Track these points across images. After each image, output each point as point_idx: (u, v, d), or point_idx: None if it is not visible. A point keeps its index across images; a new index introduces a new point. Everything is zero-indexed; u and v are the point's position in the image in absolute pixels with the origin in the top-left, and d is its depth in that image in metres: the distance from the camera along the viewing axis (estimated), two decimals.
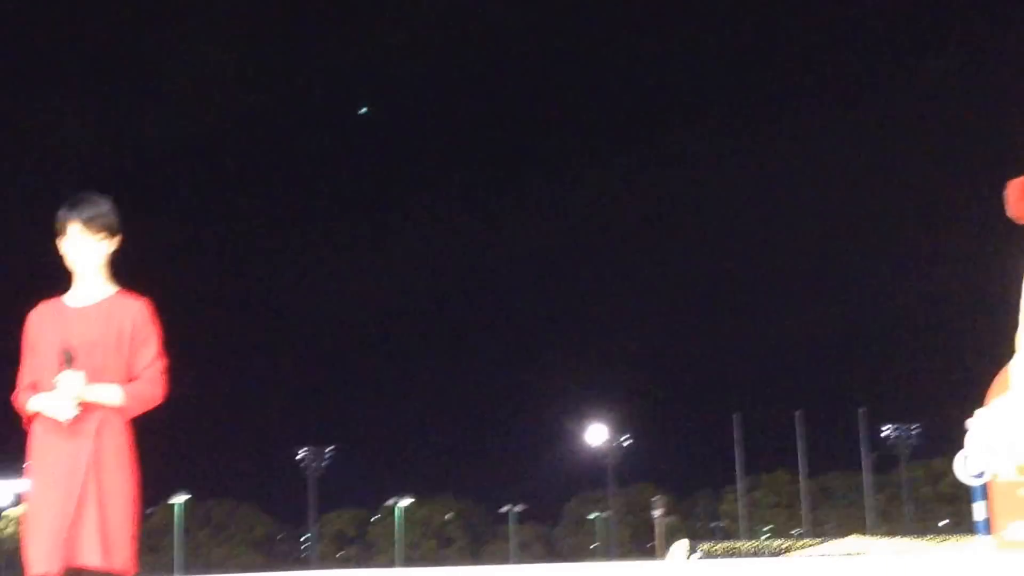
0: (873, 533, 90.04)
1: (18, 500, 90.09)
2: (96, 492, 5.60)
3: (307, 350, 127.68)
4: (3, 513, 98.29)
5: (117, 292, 5.96)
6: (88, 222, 5.89)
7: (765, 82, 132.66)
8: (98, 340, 5.75)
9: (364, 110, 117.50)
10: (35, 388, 5.77)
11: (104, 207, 5.96)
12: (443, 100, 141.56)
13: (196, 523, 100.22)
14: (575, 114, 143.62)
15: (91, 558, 5.54)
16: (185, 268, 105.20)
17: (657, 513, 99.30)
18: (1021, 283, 5.35)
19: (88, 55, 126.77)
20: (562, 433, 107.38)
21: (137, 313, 5.90)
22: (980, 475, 18.59)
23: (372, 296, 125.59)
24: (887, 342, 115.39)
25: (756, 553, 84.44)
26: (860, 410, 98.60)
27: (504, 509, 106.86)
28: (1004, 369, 12.23)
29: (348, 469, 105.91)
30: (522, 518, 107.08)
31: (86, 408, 5.64)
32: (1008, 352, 5.65)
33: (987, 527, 19.97)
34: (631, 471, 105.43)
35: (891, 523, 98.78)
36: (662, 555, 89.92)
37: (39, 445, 5.73)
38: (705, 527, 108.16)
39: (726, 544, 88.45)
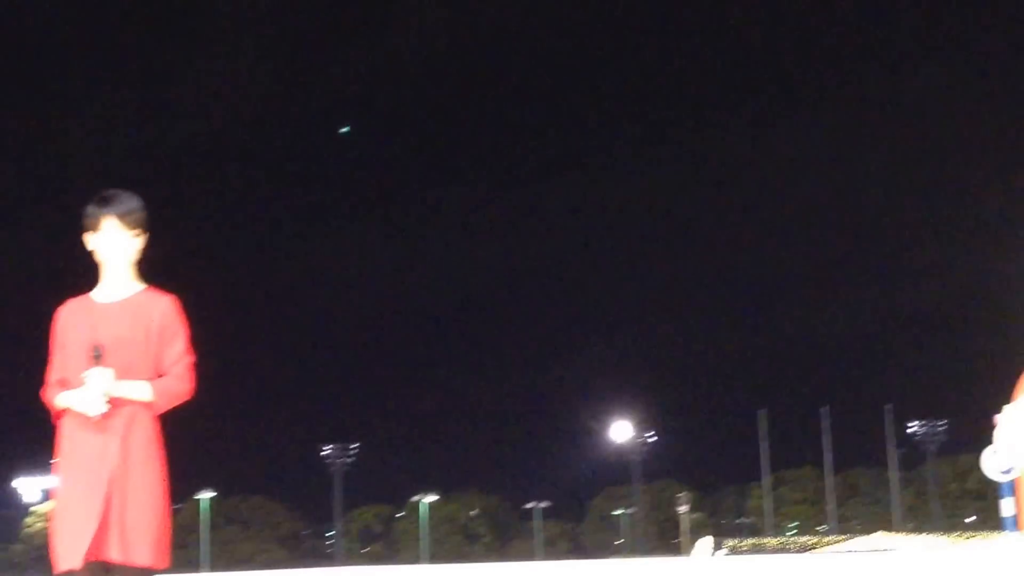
0: (900, 530, 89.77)
1: (47, 496, 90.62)
2: (125, 488, 5.62)
3: (333, 347, 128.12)
4: (32, 509, 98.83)
5: (145, 289, 5.99)
6: (124, 217, 5.92)
7: (792, 80, 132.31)
8: (126, 336, 5.78)
9: (345, 130, 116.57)
10: (64, 385, 5.78)
11: (137, 203, 5.99)
12: (472, 97, 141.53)
13: (223, 519, 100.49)
14: (601, 112, 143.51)
15: (120, 554, 5.56)
16: (212, 267, 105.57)
17: (682, 509, 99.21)
18: None
19: (108, 60, 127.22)
20: (587, 429, 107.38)
21: (165, 309, 5.92)
22: (1008, 471, 18.48)
23: (398, 294, 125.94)
24: (913, 338, 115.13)
25: (782, 550, 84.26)
26: (886, 406, 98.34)
27: (529, 505, 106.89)
28: None
29: (373, 465, 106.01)
30: (547, 514, 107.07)
31: (115, 404, 5.66)
32: None
33: (1015, 523, 19.87)
34: (656, 467, 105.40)
35: (918, 519, 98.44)
36: (687, 552, 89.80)
37: (68, 441, 5.75)
38: (731, 523, 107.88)
39: (752, 540, 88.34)
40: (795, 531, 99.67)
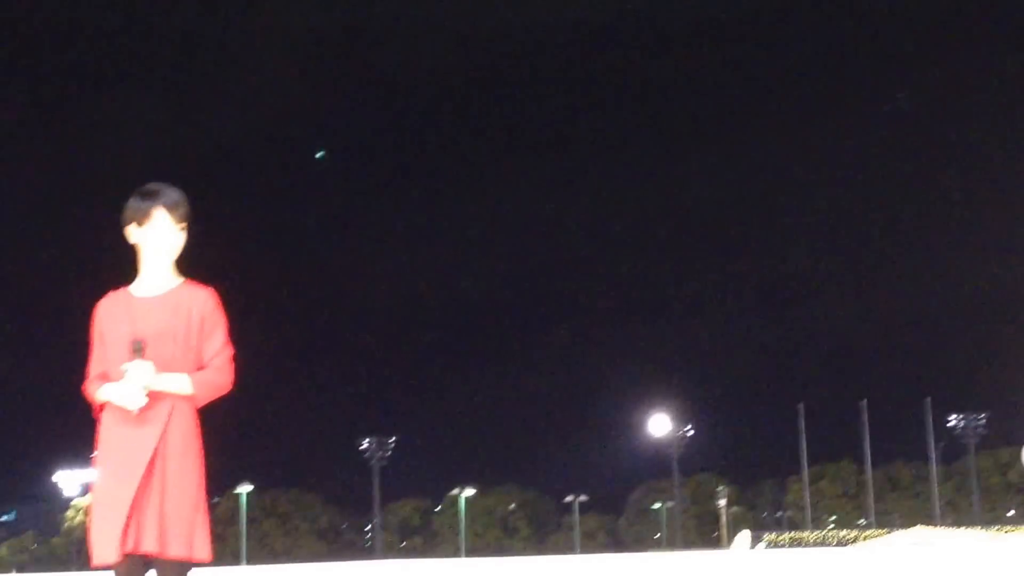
0: (940, 523, 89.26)
1: (86, 490, 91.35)
2: (164, 481, 5.62)
3: (372, 342, 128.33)
4: (72, 503, 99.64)
5: (184, 282, 5.99)
6: (172, 209, 5.93)
7: (835, 81, 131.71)
8: (167, 330, 5.77)
9: (320, 154, 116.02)
10: (105, 379, 5.78)
11: (183, 196, 6.00)
12: (507, 91, 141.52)
13: (261, 513, 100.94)
14: (643, 106, 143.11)
15: (159, 547, 5.56)
16: (251, 262, 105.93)
17: (721, 503, 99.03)
18: None
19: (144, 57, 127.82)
20: (626, 424, 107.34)
21: (205, 302, 5.91)
22: None
23: (437, 289, 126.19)
24: (953, 331, 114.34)
25: (821, 544, 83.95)
26: (926, 400, 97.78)
27: (568, 499, 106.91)
28: None
29: (412, 459, 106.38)
30: (586, 508, 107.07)
31: (155, 397, 5.66)
32: None
33: None
34: (695, 461, 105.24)
35: (958, 513, 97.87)
36: (726, 545, 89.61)
37: (108, 434, 5.76)
38: (770, 517, 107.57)
39: (791, 534, 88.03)
40: (834, 525, 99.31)
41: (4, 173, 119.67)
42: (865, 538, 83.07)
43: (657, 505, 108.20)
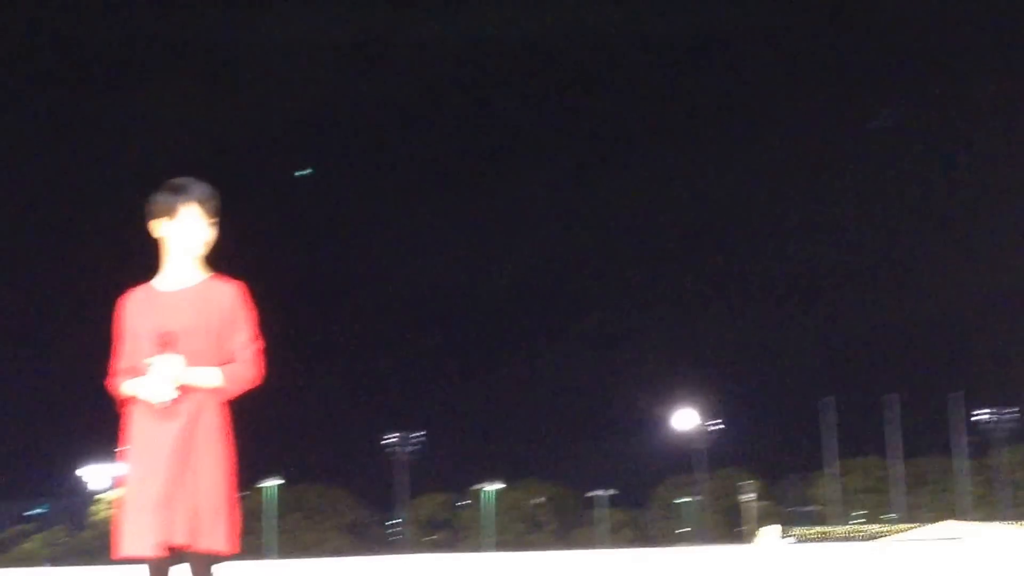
0: (968, 518, 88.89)
1: (113, 484, 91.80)
2: (193, 474, 5.63)
3: (396, 337, 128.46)
4: (98, 497, 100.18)
5: (211, 276, 5.97)
6: (203, 203, 5.91)
7: (859, 76, 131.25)
8: (194, 324, 5.76)
9: (306, 172, 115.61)
10: (133, 373, 5.78)
11: (213, 190, 5.98)
12: (534, 85, 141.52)
13: (288, 507, 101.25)
14: (680, 98, 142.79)
15: (188, 540, 5.56)
16: (277, 256, 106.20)
17: (747, 498, 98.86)
18: None
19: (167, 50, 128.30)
20: (651, 418, 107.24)
21: (232, 296, 5.90)
22: None
23: (461, 283, 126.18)
24: (982, 325, 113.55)
25: (849, 538, 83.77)
26: (954, 394, 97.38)
27: (593, 493, 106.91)
28: None
29: (438, 454, 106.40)
30: (611, 502, 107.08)
31: (183, 391, 5.65)
32: None
33: None
34: (721, 456, 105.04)
35: (986, 508, 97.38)
36: (753, 540, 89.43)
37: (136, 429, 5.75)
38: (796, 512, 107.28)
39: (819, 529, 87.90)
40: (862, 519, 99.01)
41: (39, 167, 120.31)
42: (893, 532, 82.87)
43: (683, 500, 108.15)
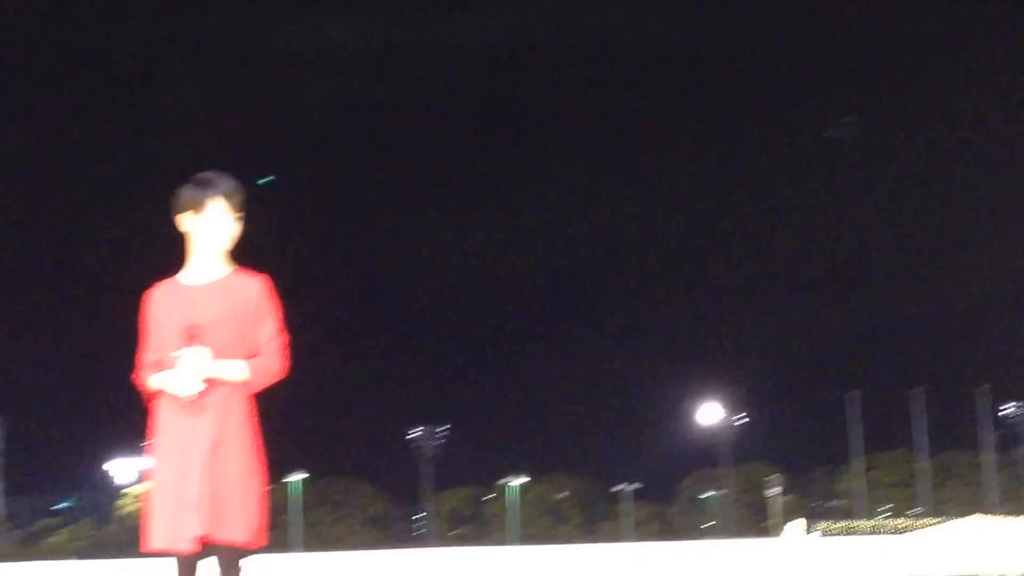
0: (995, 513, 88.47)
1: (139, 478, 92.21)
2: (220, 467, 5.64)
3: (422, 330, 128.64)
4: (125, 491, 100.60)
5: (236, 270, 5.98)
6: (230, 198, 5.92)
7: (894, 72, 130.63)
8: (220, 318, 5.77)
9: (267, 180, 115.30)
10: (160, 367, 5.79)
11: (239, 184, 5.99)
12: (566, 78, 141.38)
13: (313, 501, 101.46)
14: (705, 92, 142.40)
15: (216, 532, 5.58)
16: (302, 249, 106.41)
17: (773, 492, 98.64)
18: None
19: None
20: (677, 412, 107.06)
21: (257, 290, 5.90)
22: None
23: (485, 276, 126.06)
24: (1010, 318, 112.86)
25: (875, 532, 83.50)
26: (982, 388, 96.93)
27: (619, 487, 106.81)
28: None
29: (463, 448, 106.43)
30: (637, 496, 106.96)
31: (210, 384, 5.66)
32: None
33: None
34: (746, 449, 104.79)
35: (1014, 502, 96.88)
36: (778, 534, 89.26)
37: (163, 422, 5.76)
38: (822, 506, 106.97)
39: (845, 523, 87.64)
40: (888, 514, 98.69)
41: (67, 161, 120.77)
42: (920, 527, 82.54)
43: (709, 494, 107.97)
